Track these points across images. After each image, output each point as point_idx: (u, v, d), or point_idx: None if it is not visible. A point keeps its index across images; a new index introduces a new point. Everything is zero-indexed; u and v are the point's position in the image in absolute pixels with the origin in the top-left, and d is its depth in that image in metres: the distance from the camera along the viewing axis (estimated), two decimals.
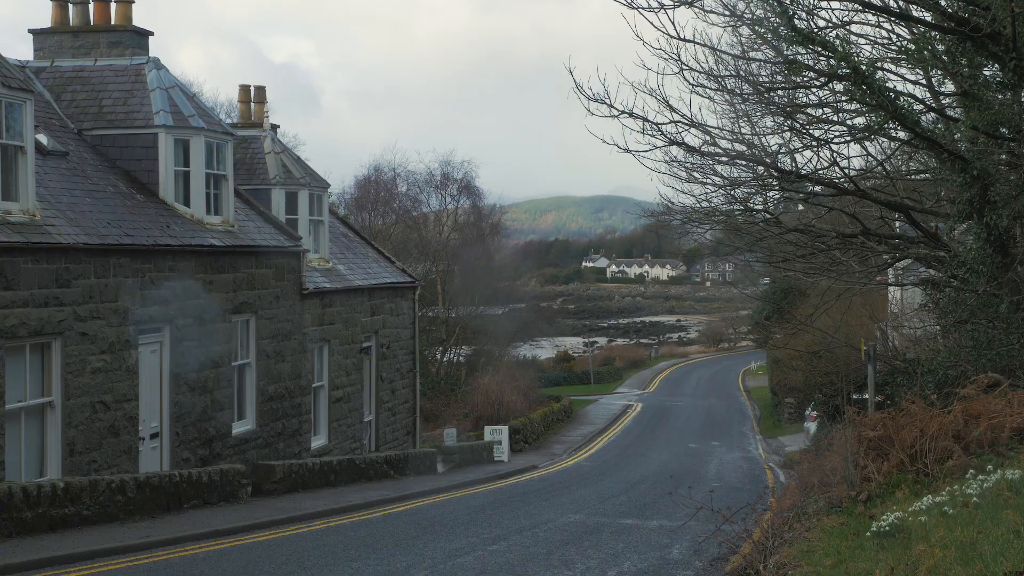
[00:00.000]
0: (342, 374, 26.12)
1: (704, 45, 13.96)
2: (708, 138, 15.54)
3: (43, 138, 17.94)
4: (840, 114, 15.59)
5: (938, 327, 21.45)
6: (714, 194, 17.34)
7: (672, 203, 18.18)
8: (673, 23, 13.74)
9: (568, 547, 13.82)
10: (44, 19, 22.24)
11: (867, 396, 22.73)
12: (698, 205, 17.79)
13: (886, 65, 14.72)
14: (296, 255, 23.43)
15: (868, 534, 8.16)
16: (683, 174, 16.57)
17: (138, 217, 18.51)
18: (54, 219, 16.30)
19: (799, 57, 13.08)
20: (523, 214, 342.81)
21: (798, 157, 16.37)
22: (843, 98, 14.44)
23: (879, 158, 17.88)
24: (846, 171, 15.77)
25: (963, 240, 16.03)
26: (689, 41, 13.28)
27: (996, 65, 12.53)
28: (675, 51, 14.74)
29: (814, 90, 14.62)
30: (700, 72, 14.38)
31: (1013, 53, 11.54)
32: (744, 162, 16.11)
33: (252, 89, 27.73)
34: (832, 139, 15.63)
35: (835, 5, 13.63)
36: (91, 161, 19.26)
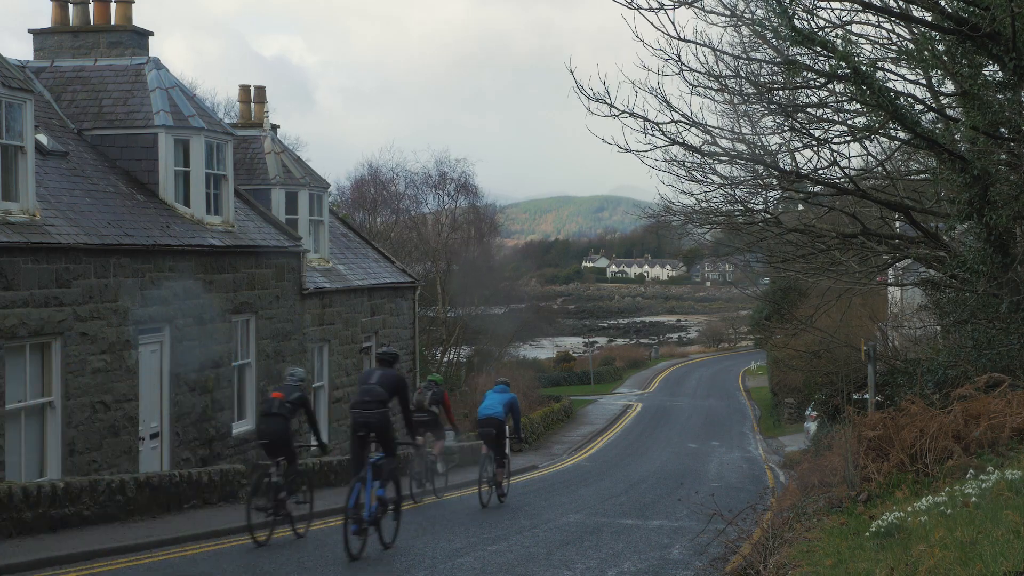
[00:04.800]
0: (342, 374, 26.12)
1: (704, 45, 13.95)
2: (708, 137, 15.54)
3: (43, 138, 17.95)
4: (840, 114, 15.58)
5: (938, 327, 21.46)
6: (714, 194, 17.34)
7: (672, 203, 18.20)
8: (673, 23, 13.73)
9: (568, 547, 13.82)
10: (44, 19, 22.28)
11: (867, 396, 22.74)
12: (698, 205, 17.79)
13: (886, 65, 14.71)
14: (296, 255, 23.43)
15: (868, 534, 8.16)
16: (683, 174, 16.56)
17: (138, 217, 18.52)
18: (54, 219, 16.31)
19: (799, 57, 13.08)
20: (523, 214, 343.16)
21: (798, 157, 16.37)
22: (843, 98, 14.43)
23: (879, 158, 17.88)
24: (846, 171, 15.76)
25: (963, 240, 16.02)
26: (689, 41, 13.27)
27: (996, 65, 12.52)
28: (675, 51, 14.78)
29: (814, 90, 14.61)
30: (700, 72, 14.39)
31: (1013, 53, 11.54)
32: (744, 161, 16.11)
33: (252, 89, 27.76)
34: (832, 139, 15.61)
35: (835, 5, 13.57)
36: (91, 161, 19.26)
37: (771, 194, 17.67)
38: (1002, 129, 12.86)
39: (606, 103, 13.62)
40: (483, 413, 18.35)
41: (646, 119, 13.96)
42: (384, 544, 12.65)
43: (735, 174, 16.71)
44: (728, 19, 13.97)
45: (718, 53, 14.76)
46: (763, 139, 16.69)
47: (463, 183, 62.85)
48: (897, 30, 14.70)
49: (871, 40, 14.78)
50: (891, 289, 30.70)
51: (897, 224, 19.84)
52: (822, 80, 13.30)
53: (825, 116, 15.75)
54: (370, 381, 12.84)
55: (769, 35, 13.04)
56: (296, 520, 13.86)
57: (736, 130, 16.37)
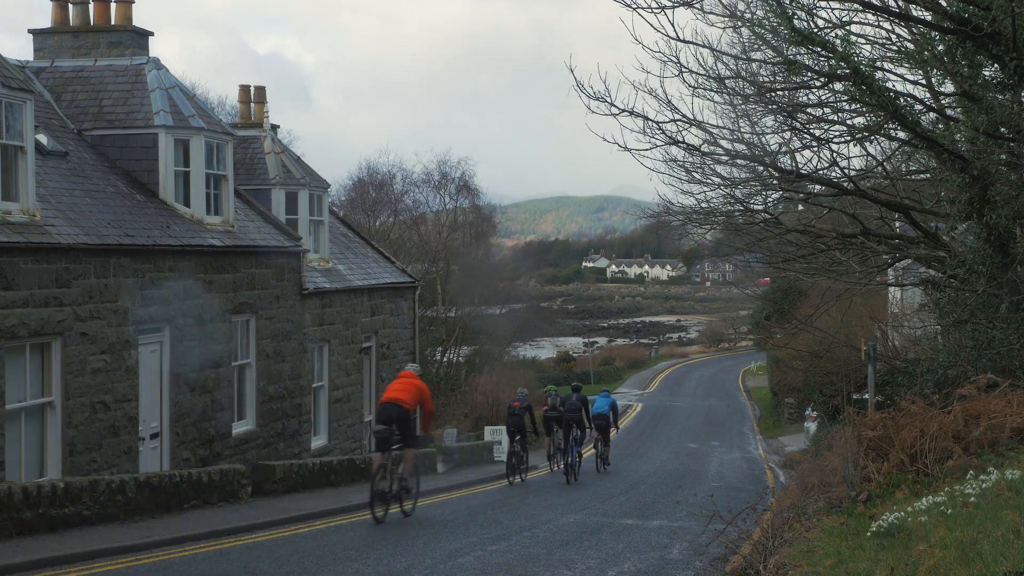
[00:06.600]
0: (342, 374, 26.12)
1: (703, 46, 13.96)
2: (708, 137, 15.54)
3: (43, 138, 17.94)
4: (840, 114, 15.59)
5: (938, 327, 21.47)
6: (714, 194, 17.33)
7: (672, 203, 18.19)
8: (672, 24, 13.73)
9: (568, 547, 13.82)
10: (44, 19, 22.27)
11: (867, 396, 22.74)
12: (698, 205, 17.78)
13: (886, 65, 14.72)
14: (296, 255, 23.43)
15: (868, 534, 8.16)
16: (683, 174, 16.56)
17: (138, 217, 18.51)
18: (54, 219, 16.30)
19: (799, 57, 13.08)
20: (523, 214, 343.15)
21: (798, 157, 16.37)
22: (843, 98, 14.45)
23: (879, 158, 17.88)
24: (846, 171, 15.77)
25: (963, 240, 16.03)
26: (688, 42, 13.27)
27: (996, 65, 12.52)
28: (675, 53, 14.76)
29: (814, 90, 14.62)
30: (700, 74, 14.38)
31: (1013, 53, 11.54)
32: (744, 162, 16.11)
33: (252, 89, 27.76)
34: (832, 139, 15.62)
35: (835, 5, 13.59)
36: (91, 161, 19.26)
37: (771, 194, 17.67)
38: (1002, 129, 12.86)
39: (606, 102, 13.63)
40: (594, 411, 27.06)
41: (646, 118, 13.97)
42: (576, 479, 24.03)
43: (735, 174, 16.73)
44: (727, 19, 13.98)
45: (717, 53, 14.76)
46: (763, 139, 16.71)
47: (464, 183, 62.88)
48: (897, 30, 14.72)
49: (871, 40, 14.79)
50: (891, 289, 30.70)
51: (897, 224, 19.83)
52: (822, 80, 13.31)
53: (825, 116, 15.76)
54: (572, 399, 25.05)
55: (769, 35, 13.05)
56: (523, 471, 24.14)
57: (736, 130, 16.37)
